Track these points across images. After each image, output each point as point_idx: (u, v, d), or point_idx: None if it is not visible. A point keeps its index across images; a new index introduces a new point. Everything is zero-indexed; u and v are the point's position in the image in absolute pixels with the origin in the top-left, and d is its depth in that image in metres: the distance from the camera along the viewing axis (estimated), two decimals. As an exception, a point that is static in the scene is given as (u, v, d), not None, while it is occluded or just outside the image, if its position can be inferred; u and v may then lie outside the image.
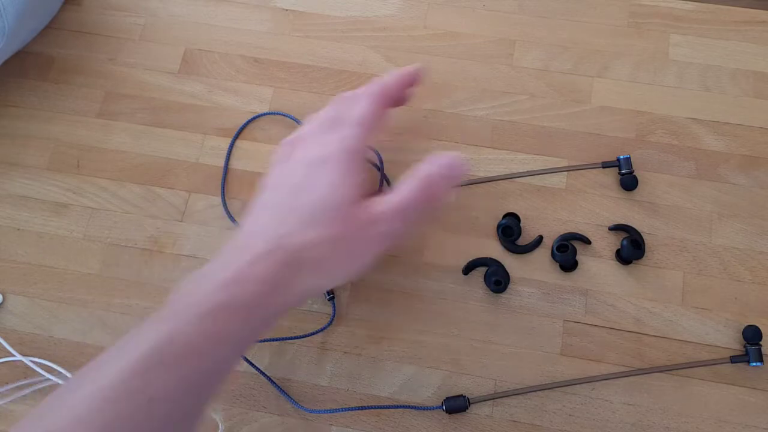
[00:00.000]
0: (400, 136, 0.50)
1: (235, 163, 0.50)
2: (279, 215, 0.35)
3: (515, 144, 0.50)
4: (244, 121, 0.51)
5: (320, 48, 0.53)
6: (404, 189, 0.36)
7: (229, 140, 0.51)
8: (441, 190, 0.37)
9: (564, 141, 0.50)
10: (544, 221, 0.48)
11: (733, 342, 0.44)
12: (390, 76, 0.40)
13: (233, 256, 0.34)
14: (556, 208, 0.48)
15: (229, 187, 0.50)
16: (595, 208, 0.48)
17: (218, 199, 0.49)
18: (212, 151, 0.51)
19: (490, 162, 0.49)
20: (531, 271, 0.46)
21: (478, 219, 0.48)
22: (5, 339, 0.46)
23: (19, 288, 0.48)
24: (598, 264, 0.46)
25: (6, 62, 0.52)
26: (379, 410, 0.44)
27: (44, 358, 0.45)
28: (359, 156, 0.36)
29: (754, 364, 0.43)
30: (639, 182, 0.48)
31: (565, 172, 0.49)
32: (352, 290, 0.47)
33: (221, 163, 0.50)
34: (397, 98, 0.41)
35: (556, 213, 0.48)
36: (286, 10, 0.55)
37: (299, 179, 0.36)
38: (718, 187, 0.48)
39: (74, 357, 0.46)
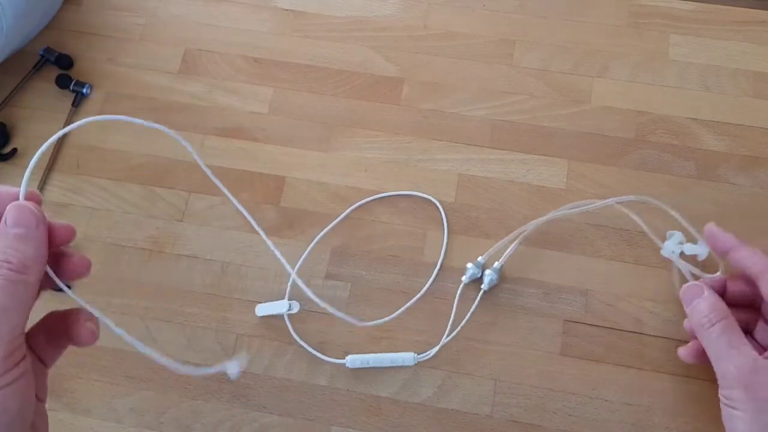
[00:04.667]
0: (400, 136, 0.51)
1: (236, 163, 0.50)
2: None
3: (515, 144, 0.50)
4: (244, 121, 0.51)
5: (320, 48, 0.53)
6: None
7: (229, 140, 0.51)
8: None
9: (564, 141, 0.50)
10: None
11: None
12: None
13: None
14: (555, 207, 0.48)
15: (229, 187, 0.49)
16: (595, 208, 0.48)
17: (218, 199, 0.49)
18: (212, 151, 0.51)
19: (490, 162, 0.50)
20: (526, 270, 0.46)
21: (478, 219, 0.48)
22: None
23: (19, 288, 0.48)
24: (599, 264, 0.46)
25: (5, 62, 0.52)
26: (378, 409, 0.44)
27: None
28: None
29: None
30: (638, 182, 0.48)
31: (565, 171, 0.49)
32: (352, 289, 0.47)
33: (221, 163, 0.50)
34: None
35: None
36: (286, 10, 0.55)
37: None
38: (718, 187, 0.48)
39: (74, 357, 0.45)
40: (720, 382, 0.35)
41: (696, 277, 0.42)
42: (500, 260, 0.46)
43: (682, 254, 0.44)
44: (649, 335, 0.45)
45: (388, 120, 0.51)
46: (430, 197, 0.48)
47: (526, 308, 0.46)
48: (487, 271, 0.45)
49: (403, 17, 0.54)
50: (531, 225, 0.46)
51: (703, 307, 0.36)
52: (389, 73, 0.52)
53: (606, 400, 0.43)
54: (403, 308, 0.44)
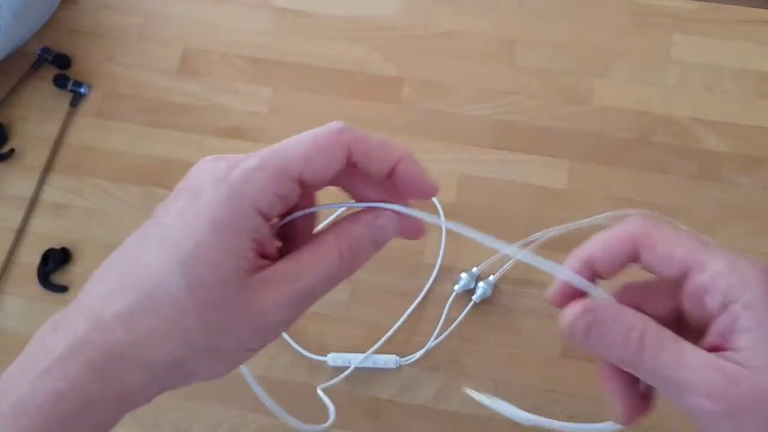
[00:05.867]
0: (399, 136, 0.50)
1: (234, 164, 0.50)
2: (120, 280, 0.23)
3: (516, 144, 0.50)
4: (243, 121, 0.51)
5: (320, 48, 0.53)
6: (315, 262, 0.24)
7: (229, 140, 0.51)
8: (364, 259, 0.25)
9: (565, 141, 0.49)
10: (545, 221, 0.47)
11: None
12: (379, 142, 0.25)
13: (52, 341, 0.23)
14: (556, 208, 0.48)
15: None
16: (596, 208, 0.47)
17: (217, 200, 0.49)
18: (212, 151, 0.50)
19: (491, 162, 0.49)
20: (527, 271, 0.46)
21: (478, 219, 0.48)
22: (2, 341, 0.46)
23: (19, 289, 0.47)
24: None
25: (3, 61, 0.52)
26: (378, 411, 0.43)
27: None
28: (253, 199, 0.23)
29: None
30: (640, 183, 0.48)
31: (567, 172, 0.48)
32: (352, 290, 0.46)
33: (220, 163, 0.50)
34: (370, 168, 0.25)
35: (556, 213, 0.47)
36: (286, 10, 0.54)
37: (164, 224, 0.23)
38: (720, 187, 0.48)
39: (72, 359, 0.45)
40: (693, 419, 0.23)
41: None
42: (496, 274, 0.45)
43: None
44: (651, 337, 0.44)
45: (388, 120, 0.51)
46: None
47: (527, 309, 0.45)
48: (481, 284, 0.45)
49: (403, 17, 0.54)
50: (534, 237, 0.46)
51: (612, 336, 0.23)
52: (389, 73, 0.52)
53: (607, 402, 0.43)
54: (408, 311, 0.44)
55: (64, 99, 0.52)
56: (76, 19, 0.55)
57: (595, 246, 0.25)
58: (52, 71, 0.52)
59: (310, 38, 0.53)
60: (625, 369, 0.24)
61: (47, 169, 0.50)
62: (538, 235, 0.46)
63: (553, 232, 0.46)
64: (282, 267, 0.24)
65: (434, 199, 0.48)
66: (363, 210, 0.25)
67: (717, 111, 0.50)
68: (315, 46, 0.53)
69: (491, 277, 0.45)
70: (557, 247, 0.47)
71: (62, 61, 0.53)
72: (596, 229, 0.46)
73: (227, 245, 0.22)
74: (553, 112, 0.50)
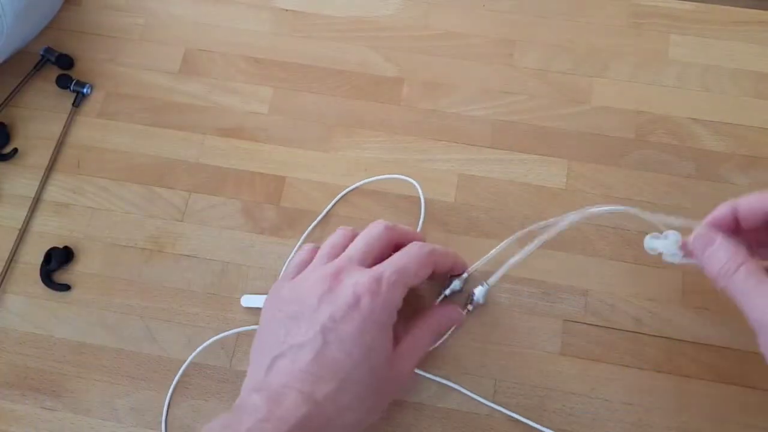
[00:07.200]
0: (399, 136, 0.51)
1: (236, 163, 0.50)
2: (317, 370, 0.34)
3: (515, 144, 0.50)
4: (244, 121, 0.51)
5: (320, 48, 0.53)
6: (425, 340, 0.40)
7: (229, 140, 0.51)
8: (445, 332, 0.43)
9: (564, 141, 0.50)
10: (544, 220, 0.47)
11: (732, 342, 0.44)
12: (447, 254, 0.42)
13: (263, 414, 0.32)
14: (555, 208, 0.48)
15: (229, 187, 0.50)
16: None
17: (218, 199, 0.49)
18: (212, 151, 0.51)
19: (490, 162, 0.50)
20: (526, 270, 0.46)
21: (478, 219, 0.48)
22: (5, 339, 0.46)
23: (21, 288, 0.48)
24: (598, 264, 0.46)
25: (5, 62, 0.52)
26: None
27: (44, 358, 0.46)
28: (393, 311, 0.37)
29: None
30: (638, 182, 0.48)
31: (565, 171, 0.49)
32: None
33: (221, 163, 0.50)
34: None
35: (554, 212, 0.48)
36: (286, 10, 0.55)
37: (333, 326, 0.35)
38: (718, 187, 0.48)
39: (74, 357, 0.46)
40: (759, 335, 0.31)
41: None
42: (489, 279, 0.44)
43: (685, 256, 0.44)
44: (649, 335, 0.45)
45: (388, 120, 0.51)
46: (409, 179, 0.48)
47: (525, 308, 0.46)
48: (477, 289, 0.44)
49: (403, 17, 0.54)
50: (525, 251, 0.43)
51: (720, 255, 0.32)
52: (389, 73, 0.52)
53: (606, 400, 0.43)
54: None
55: (66, 99, 0.52)
56: (78, 20, 0.55)
57: (741, 200, 0.33)
58: (54, 71, 0.53)
59: (311, 38, 0.54)
60: (716, 284, 0.33)
61: (50, 168, 0.50)
62: (530, 228, 0.45)
63: (533, 227, 0.44)
64: (406, 346, 0.38)
65: (421, 201, 0.48)
66: (442, 304, 0.44)
67: (715, 111, 0.50)
68: (315, 46, 0.53)
69: (485, 284, 0.45)
70: (554, 246, 0.47)
71: (65, 62, 0.53)
72: (598, 227, 0.47)
73: (386, 338, 0.36)
74: (552, 112, 0.51)
